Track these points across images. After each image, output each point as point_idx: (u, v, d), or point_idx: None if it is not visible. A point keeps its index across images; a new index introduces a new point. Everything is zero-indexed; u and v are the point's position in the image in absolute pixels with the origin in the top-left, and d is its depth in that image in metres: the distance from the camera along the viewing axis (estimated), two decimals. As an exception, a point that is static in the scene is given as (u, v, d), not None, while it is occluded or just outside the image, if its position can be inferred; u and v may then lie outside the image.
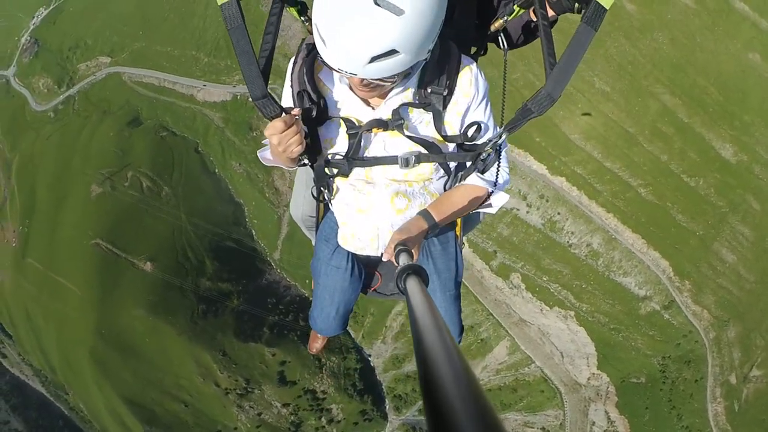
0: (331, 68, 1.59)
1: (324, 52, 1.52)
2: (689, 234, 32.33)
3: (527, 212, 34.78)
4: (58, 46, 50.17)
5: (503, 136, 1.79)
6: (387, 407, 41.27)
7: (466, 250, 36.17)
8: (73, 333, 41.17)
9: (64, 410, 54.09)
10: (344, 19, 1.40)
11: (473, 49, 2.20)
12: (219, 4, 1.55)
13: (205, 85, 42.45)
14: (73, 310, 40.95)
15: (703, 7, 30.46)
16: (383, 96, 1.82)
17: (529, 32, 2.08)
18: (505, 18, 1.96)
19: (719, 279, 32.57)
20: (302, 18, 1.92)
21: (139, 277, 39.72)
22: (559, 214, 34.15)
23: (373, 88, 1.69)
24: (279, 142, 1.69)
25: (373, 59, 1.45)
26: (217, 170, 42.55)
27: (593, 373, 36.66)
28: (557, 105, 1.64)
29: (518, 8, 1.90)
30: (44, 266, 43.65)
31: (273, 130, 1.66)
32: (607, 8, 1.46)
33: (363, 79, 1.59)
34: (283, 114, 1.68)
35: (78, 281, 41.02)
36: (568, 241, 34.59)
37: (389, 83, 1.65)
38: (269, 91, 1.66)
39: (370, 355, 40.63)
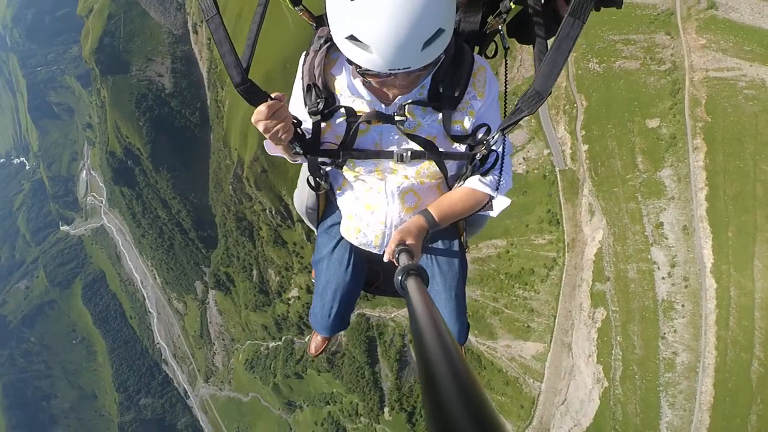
0: (375, 75, 1.57)
1: (368, 59, 1.47)
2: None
3: (662, 278, 33.03)
4: None
5: (496, 136, 1.77)
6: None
7: (588, 254, 35.72)
8: (268, 49, 45.17)
9: (208, 98, 62.74)
10: (389, 16, 1.36)
11: (476, 49, 2.13)
12: None
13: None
14: (285, 32, 44.77)
15: None
16: (411, 86, 1.78)
17: (529, 29, 1.88)
18: (503, 16, 1.87)
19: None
20: (296, 8, 1.91)
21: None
22: (683, 306, 32.16)
23: (413, 80, 1.69)
24: (265, 128, 1.66)
25: (425, 45, 1.44)
26: None
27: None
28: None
29: (515, 5, 1.82)
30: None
31: (258, 116, 1.63)
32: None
33: (408, 73, 1.57)
34: (269, 100, 1.64)
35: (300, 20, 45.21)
36: (664, 333, 32.93)
37: (430, 68, 1.63)
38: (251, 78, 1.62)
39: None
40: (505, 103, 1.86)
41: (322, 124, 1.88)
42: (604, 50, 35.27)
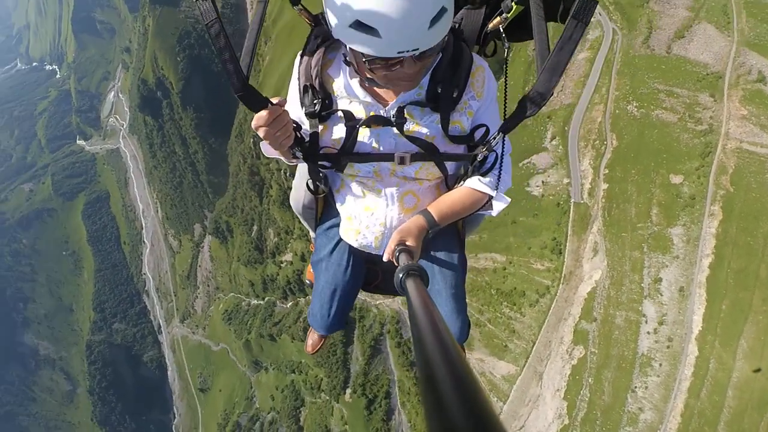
0: (383, 64, 1.56)
1: (376, 43, 1.46)
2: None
3: (647, 333, 33.06)
4: None
5: (497, 137, 1.78)
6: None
7: (582, 291, 35.86)
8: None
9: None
10: None
11: (476, 48, 2.12)
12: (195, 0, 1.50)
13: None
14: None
15: None
16: (417, 78, 1.76)
17: (526, 30, 1.87)
18: (505, 16, 1.86)
19: None
20: (295, 8, 1.88)
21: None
22: (660, 365, 32.33)
23: (418, 71, 1.67)
24: (266, 134, 1.63)
25: (432, 23, 1.44)
26: None
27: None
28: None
29: (516, 5, 1.81)
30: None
31: (258, 121, 1.61)
32: (597, 1, 1.41)
33: (415, 60, 1.57)
34: (269, 105, 1.61)
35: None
36: (635, 387, 33.09)
37: (435, 54, 1.64)
38: (251, 84, 1.60)
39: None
40: (505, 105, 1.77)
41: (320, 127, 1.86)
42: (647, 96, 35.17)
